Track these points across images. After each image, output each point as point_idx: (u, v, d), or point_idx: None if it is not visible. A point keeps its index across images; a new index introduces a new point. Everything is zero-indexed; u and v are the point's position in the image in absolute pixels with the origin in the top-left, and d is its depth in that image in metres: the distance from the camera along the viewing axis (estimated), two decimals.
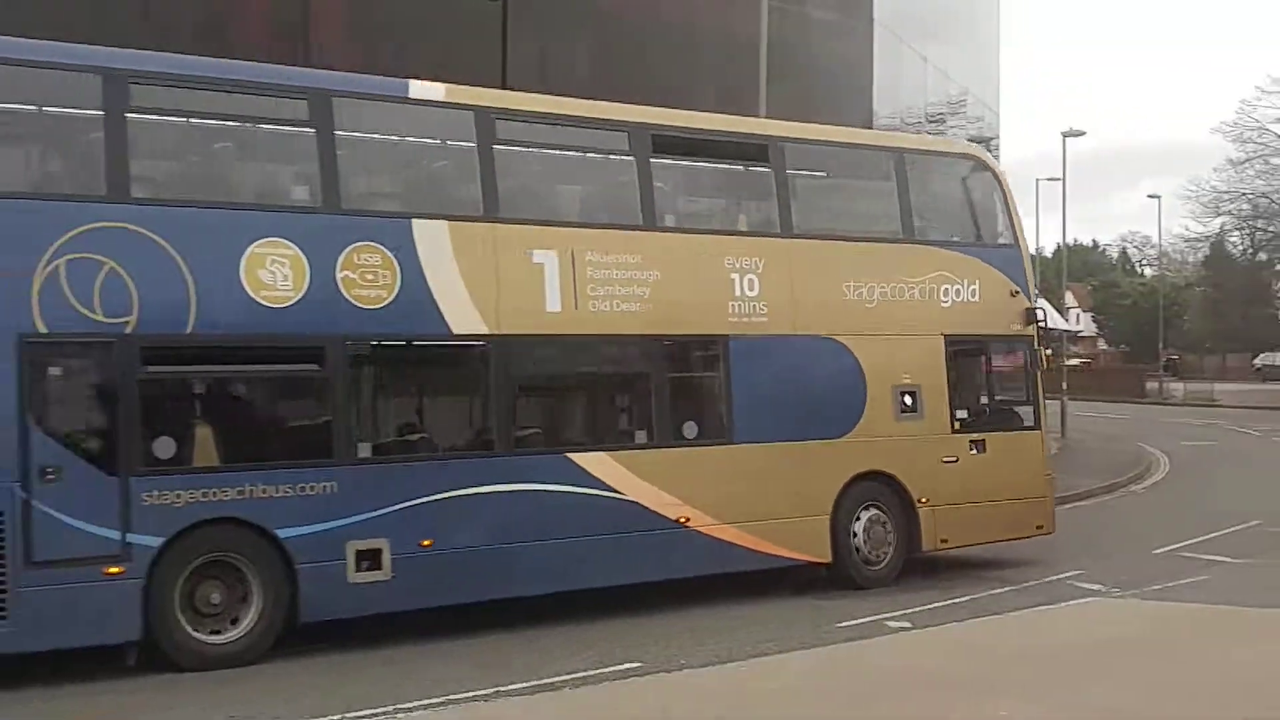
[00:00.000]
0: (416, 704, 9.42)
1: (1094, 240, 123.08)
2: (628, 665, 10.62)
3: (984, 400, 15.95)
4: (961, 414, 15.36)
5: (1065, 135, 44.22)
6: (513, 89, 13.35)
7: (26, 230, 10.48)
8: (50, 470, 10.32)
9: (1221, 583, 14.45)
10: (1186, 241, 68.74)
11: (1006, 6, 49.76)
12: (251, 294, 11.24)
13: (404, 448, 12.35)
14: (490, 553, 12.20)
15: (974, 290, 15.54)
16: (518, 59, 20.71)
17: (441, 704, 9.53)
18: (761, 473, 13.75)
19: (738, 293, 13.88)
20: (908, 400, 14.95)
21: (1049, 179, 48.09)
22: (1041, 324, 16.27)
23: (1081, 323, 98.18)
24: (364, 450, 11.86)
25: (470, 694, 9.75)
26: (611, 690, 9.85)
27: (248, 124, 12.22)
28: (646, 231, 13.54)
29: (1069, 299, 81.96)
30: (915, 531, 14.92)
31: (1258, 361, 68.14)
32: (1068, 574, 15.02)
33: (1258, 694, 9.30)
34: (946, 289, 15.34)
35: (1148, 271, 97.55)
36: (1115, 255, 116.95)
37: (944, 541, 15.17)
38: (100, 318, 10.60)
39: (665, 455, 13.34)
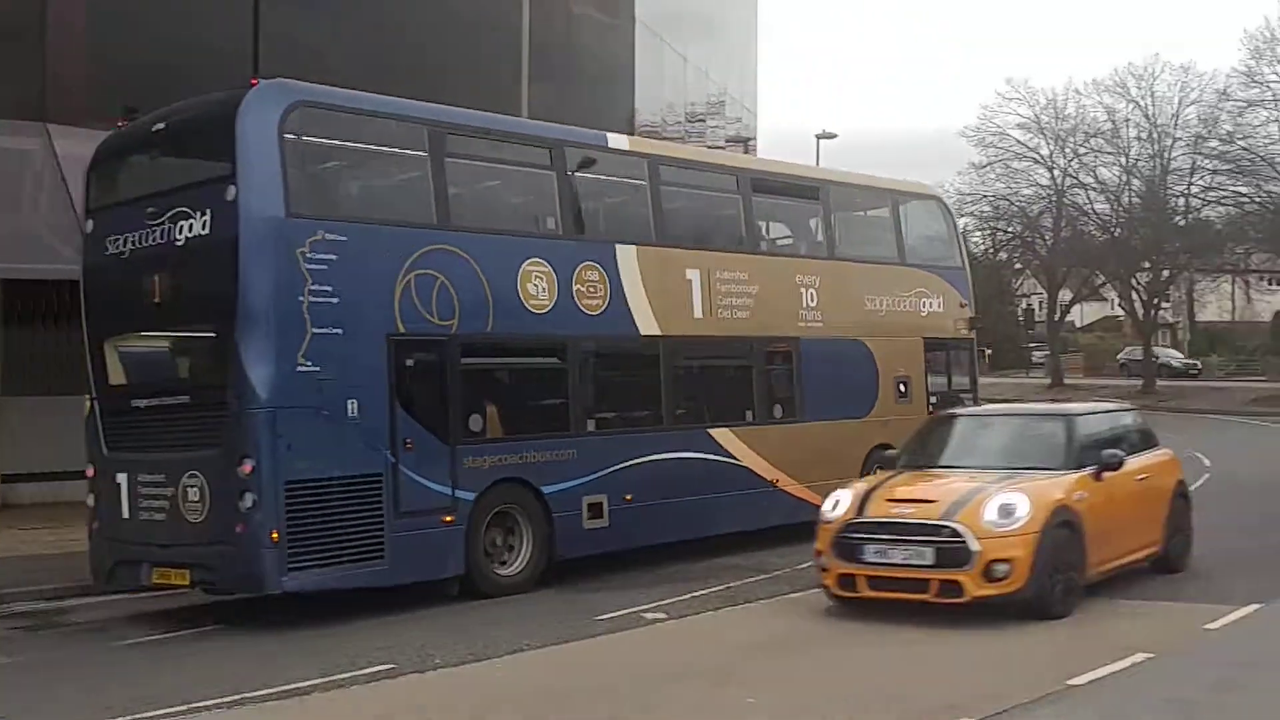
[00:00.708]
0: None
1: None
2: (380, 667, 10.42)
3: (944, 387, 20.16)
4: (933, 399, 19.61)
5: (819, 137, 45.56)
6: (266, 77, 13.09)
7: (391, 250, 13.35)
8: (409, 441, 13.18)
9: None
10: None
11: (764, 7, 50.86)
12: (524, 302, 14.49)
13: (613, 424, 15.69)
14: (662, 507, 15.69)
15: (940, 302, 20.27)
16: (270, 46, 20.21)
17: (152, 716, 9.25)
18: (820, 444, 17.72)
19: (804, 303, 17.96)
20: (902, 388, 19.37)
21: None
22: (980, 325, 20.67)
23: None
24: (590, 425, 15.26)
25: (209, 703, 9.39)
26: (358, 693, 9.69)
27: (514, 166, 15.58)
28: (750, 254, 17.65)
29: None
30: None
31: (1121, 357, 70.89)
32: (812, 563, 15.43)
33: (984, 672, 9.79)
34: (924, 301, 20.04)
35: None
36: None
37: None
38: (436, 321, 13.56)
39: (763, 430, 17.29)
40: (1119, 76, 55.74)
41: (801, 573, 14.70)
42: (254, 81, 12.94)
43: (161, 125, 13.52)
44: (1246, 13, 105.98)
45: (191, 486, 12.43)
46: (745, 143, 41.92)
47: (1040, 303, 71.65)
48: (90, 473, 13.69)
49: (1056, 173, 57.59)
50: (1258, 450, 30.52)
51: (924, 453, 13.45)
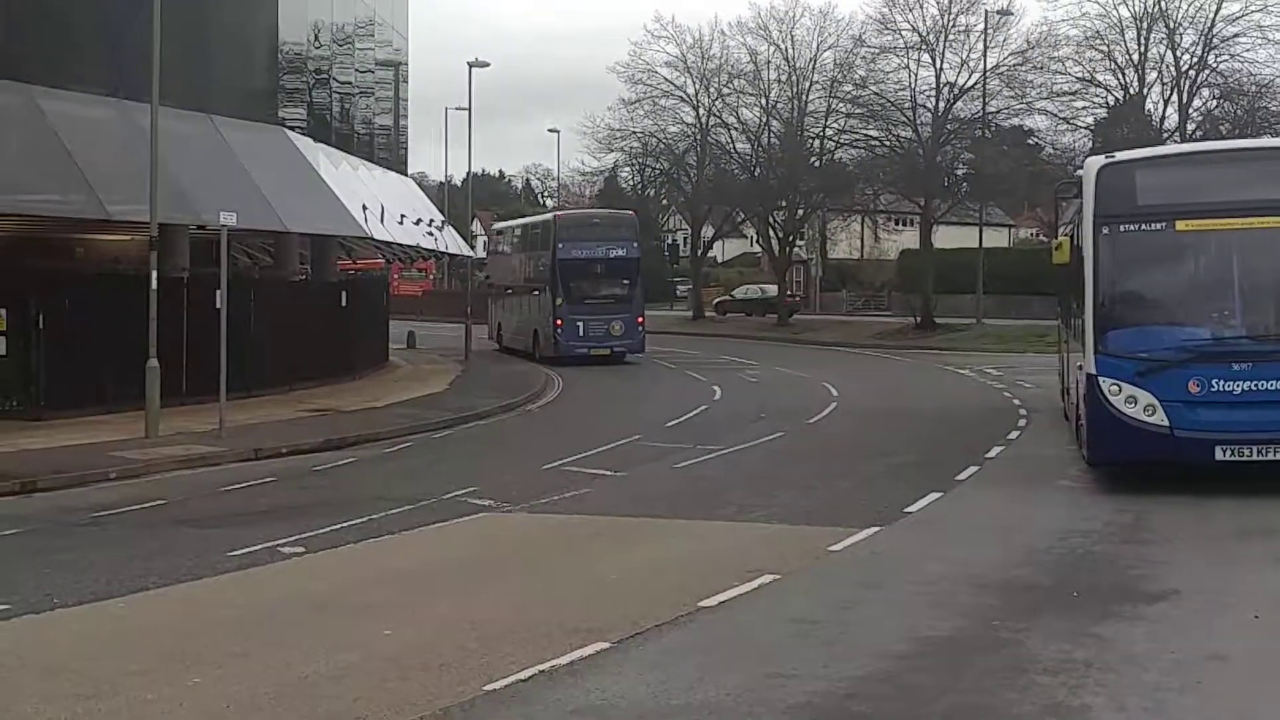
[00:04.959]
0: None
1: (500, 170, 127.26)
2: None
3: None
4: None
5: (471, 65, 45.14)
6: None
7: None
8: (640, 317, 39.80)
9: (600, 495, 15.40)
10: (583, 175, 72.48)
11: None
12: None
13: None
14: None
15: None
16: None
17: None
18: None
19: None
20: None
21: (458, 108, 49.19)
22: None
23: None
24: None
25: None
26: None
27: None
28: None
29: (476, 227, 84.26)
30: None
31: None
32: (460, 491, 15.42)
33: (617, 597, 10.00)
34: None
35: (549, 202, 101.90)
36: (520, 186, 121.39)
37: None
38: None
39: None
40: (762, 19, 57.72)
41: (446, 503, 14.68)
42: (559, 214, 45.57)
43: (599, 220, 42.27)
44: None
45: (616, 324, 37.85)
46: (397, 66, 41.05)
47: (685, 238, 73.69)
48: (559, 323, 37.34)
49: (701, 112, 59.19)
50: (879, 381, 32.41)
51: None
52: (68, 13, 23.59)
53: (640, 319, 38.61)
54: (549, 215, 46.77)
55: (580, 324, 37.62)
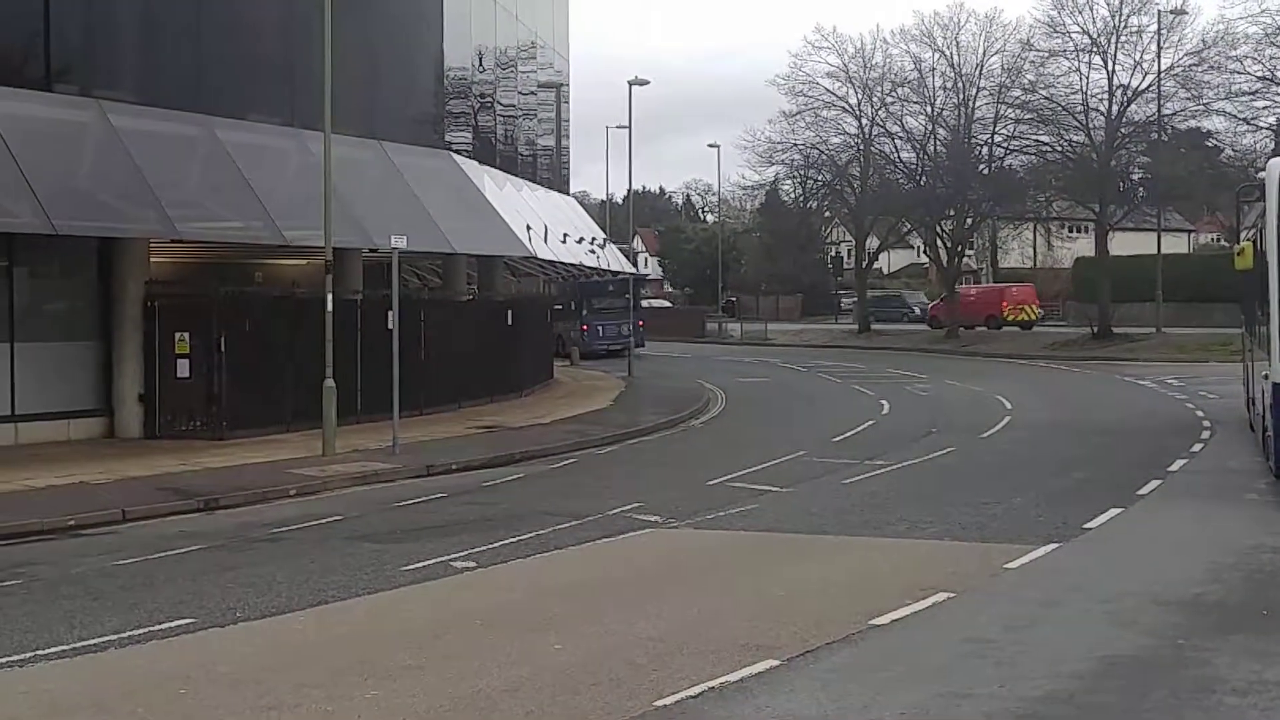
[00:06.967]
0: None
1: (660, 187, 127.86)
2: (180, 621, 10.13)
3: None
4: None
5: (631, 84, 45.47)
6: None
7: None
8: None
9: (768, 510, 15.29)
10: (744, 189, 72.50)
11: None
12: None
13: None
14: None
15: None
16: None
17: None
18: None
19: None
20: None
21: (618, 126, 49.72)
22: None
23: (649, 266, 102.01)
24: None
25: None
26: (157, 648, 9.36)
27: None
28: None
29: (638, 244, 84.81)
30: None
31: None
32: (627, 507, 15.48)
33: (787, 614, 9.90)
34: None
35: (709, 218, 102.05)
36: (680, 201, 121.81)
37: None
38: None
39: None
40: (925, 26, 57.02)
41: (613, 518, 14.73)
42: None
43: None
44: None
45: (624, 326, 46.16)
46: (558, 88, 41.57)
47: (849, 250, 73.02)
48: (585, 328, 50.99)
49: (864, 121, 58.67)
50: (1054, 393, 31.64)
51: None
52: (243, 47, 24.42)
53: (640, 323, 52.48)
54: None
55: (600, 328, 51.72)
